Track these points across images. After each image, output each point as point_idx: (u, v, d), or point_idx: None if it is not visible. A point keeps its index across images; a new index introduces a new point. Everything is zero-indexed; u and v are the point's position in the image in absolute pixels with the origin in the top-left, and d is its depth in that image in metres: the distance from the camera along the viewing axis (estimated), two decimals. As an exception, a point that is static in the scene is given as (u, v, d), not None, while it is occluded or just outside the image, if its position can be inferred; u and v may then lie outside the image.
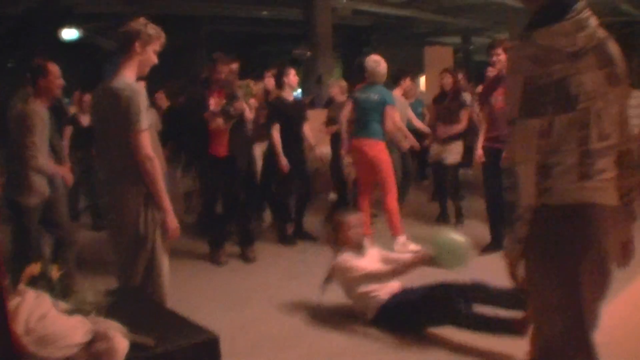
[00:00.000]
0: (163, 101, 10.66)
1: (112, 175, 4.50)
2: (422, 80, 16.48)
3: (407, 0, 18.60)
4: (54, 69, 6.06)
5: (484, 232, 8.00)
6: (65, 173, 6.17)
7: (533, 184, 2.93)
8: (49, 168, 5.99)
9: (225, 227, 8.42)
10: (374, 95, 8.32)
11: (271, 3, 17.83)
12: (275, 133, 8.63)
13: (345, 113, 8.54)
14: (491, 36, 27.11)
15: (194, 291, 6.83)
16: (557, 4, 2.94)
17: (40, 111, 5.94)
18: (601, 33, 2.95)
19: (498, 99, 7.49)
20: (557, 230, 2.95)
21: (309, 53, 14.72)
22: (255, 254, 8.11)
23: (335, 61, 21.36)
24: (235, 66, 8.13)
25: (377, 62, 8.40)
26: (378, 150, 8.27)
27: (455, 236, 5.43)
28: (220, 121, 7.67)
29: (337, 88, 10.69)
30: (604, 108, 2.89)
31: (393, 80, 10.00)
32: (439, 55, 15.96)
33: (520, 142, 2.93)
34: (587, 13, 2.91)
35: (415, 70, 16.01)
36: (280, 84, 8.91)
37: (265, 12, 19.64)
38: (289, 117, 8.78)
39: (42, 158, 5.91)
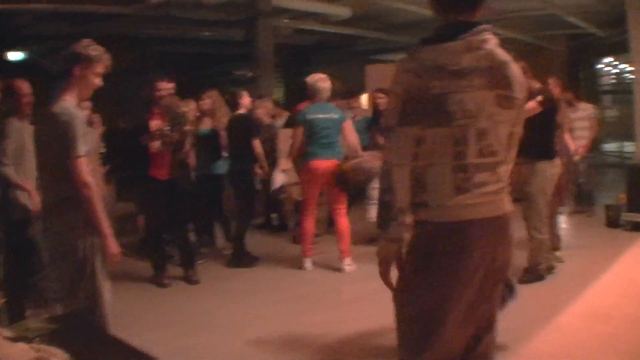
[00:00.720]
0: (97, 126, 10.48)
1: (53, 200, 4.50)
2: (364, 98, 16.46)
3: (349, 19, 18.64)
4: (21, 86, 6.04)
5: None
6: (31, 192, 6.05)
7: (407, 188, 2.99)
8: (14, 178, 5.94)
9: (166, 249, 8.46)
10: (333, 114, 8.40)
11: (213, 24, 17.80)
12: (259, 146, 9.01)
13: (299, 135, 8.54)
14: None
15: (137, 315, 6.79)
16: (456, 25, 3.00)
17: (15, 123, 5.93)
18: (502, 56, 3.02)
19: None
20: (433, 247, 3.01)
21: (250, 74, 14.71)
22: (198, 276, 8.14)
23: (277, 81, 21.37)
24: (170, 86, 8.15)
25: (322, 80, 8.47)
26: None
27: None
28: (157, 144, 7.73)
29: (262, 109, 10.66)
30: (490, 127, 2.98)
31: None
32: (381, 73, 15.93)
33: (397, 148, 2.99)
34: (484, 36, 2.98)
35: (358, 88, 16.06)
36: (235, 106, 9.20)
37: (207, 33, 19.62)
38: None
39: (10, 167, 5.89)
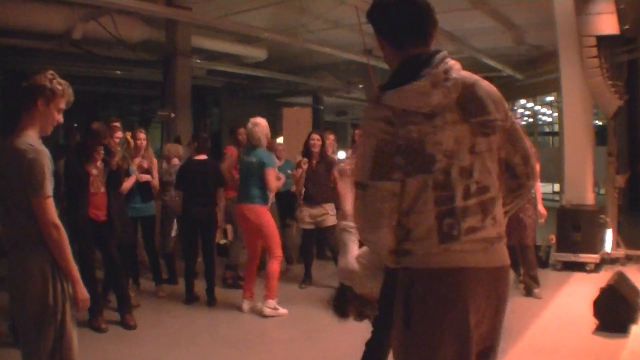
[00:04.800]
0: None
1: (15, 241, 4.13)
2: (280, 141, 16.41)
3: (262, 61, 18.70)
4: None
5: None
6: None
7: (390, 247, 2.76)
8: None
9: (103, 293, 8.15)
10: (253, 157, 8.33)
11: (126, 63, 17.52)
12: None
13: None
14: (341, 96, 27.59)
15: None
16: (414, 60, 2.79)
17: None
18: (468, 79, 2.81)
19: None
20: (423, 298, 2.70)
21: (172, 115, 14.41)
22: (135, 321, 7.86)
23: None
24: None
25: (253, 124, 8.42)
26: (261, 213, 8.34)
27: None
28: (101, 185, 7.65)
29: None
30: (475, 162, 2.75)
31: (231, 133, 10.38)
32: (298, 116, 15.98)
33: (373, 207, 2.70)
34: (446, 65, 2.76)
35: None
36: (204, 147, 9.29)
37: (119, 72, 19.33)
38: None
39: None
